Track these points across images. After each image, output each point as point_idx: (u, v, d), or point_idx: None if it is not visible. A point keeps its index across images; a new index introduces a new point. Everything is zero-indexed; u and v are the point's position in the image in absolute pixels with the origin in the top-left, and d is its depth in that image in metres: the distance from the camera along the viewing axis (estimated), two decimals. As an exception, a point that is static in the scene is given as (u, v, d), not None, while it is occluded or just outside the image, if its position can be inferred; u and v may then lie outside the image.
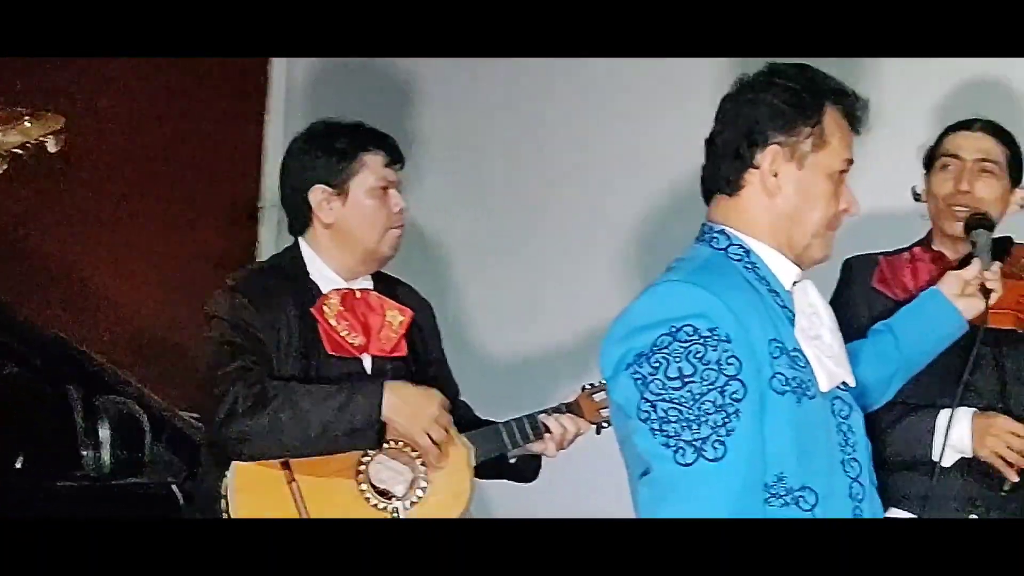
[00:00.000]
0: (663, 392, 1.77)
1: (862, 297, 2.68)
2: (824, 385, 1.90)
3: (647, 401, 1.79)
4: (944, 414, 2.51)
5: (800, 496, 1.82)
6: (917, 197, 2.75)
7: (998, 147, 2.68)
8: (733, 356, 1.78)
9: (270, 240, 5.12)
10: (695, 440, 1.75)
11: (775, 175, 1.92)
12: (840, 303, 2.57)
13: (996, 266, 2.40)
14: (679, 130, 4.28)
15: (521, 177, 5.09)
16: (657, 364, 1.78)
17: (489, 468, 2.67)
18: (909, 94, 3.69)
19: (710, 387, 1.76)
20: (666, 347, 1.78)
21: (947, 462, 2.53)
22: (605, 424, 2.72)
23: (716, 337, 1.78)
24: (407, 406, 2.46)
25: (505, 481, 2.78)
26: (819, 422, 1.89)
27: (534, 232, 5.06)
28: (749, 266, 1.93)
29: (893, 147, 3.03)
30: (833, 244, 2.01)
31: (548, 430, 2.66)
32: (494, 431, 2.65)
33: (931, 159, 2.75)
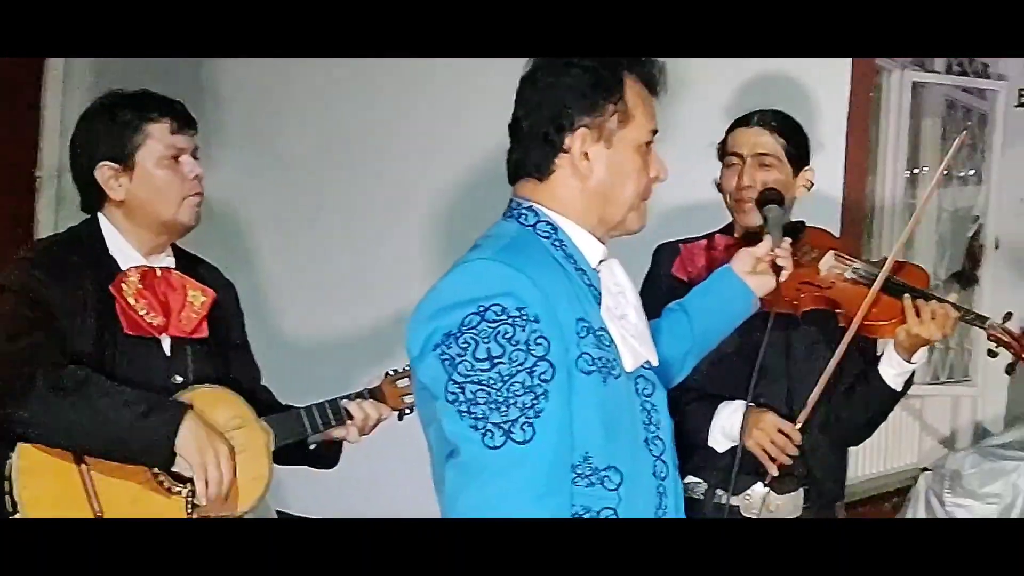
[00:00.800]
0: (471, 374, 1.74)
1: (663, 283, 2.76)
2: (629, 365, 1.90)
3: (455, 383, 1.76)
4: (724, 404, 2.67)
5: (605, 476, 1.82)
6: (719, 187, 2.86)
7: (772, 139, 2.78)
8: (542, 336, 1.76)
9: (49, 212, 4.94)
10: (503, 423, 1.73)
11: (586, 157, 1.91)
12: (645, 288, 2.67)
13: (787, 242, 2.37)
14: (483, 109, 4.33)
15: (324, 157, 5.05)
16: (466, 345, 1.76)
17: (289, 453, 2.61)
18: (706, 91, 3.85)
19: (519, 368, 1.75)
20: (474, 327, 1.76)
21: (720, 448, 2.69)
22: (408, 411, 2.69)
23: (525, 317, 1.76)
24: (199, 439, 2.32)
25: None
26: (624, 401, 1.89)
27: (340, 213, 5.04)
28: (557, 244, 1.91)
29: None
30: (647, 213, 2.02)
31: (350, 416, 2.62)
32: (295, 416, 2.58)
33: (722, 155, 2.86)
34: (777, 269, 2.30)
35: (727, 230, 2.88)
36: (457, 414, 1.76)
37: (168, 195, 2.50)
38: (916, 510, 4.99)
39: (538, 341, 1.76)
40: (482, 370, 1.74)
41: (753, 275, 2.29)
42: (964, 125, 5.87)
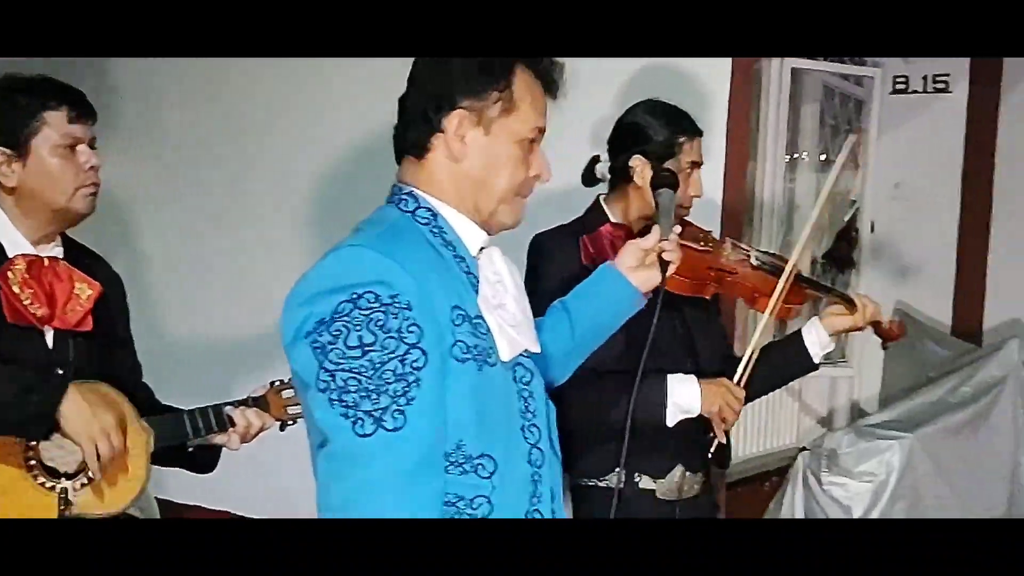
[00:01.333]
0: (342, 361, 1.73)
1: (570, 273, 2.70)
2: (505, 354, 1.90)
3: (326, 371, 1.74)
4: (673, 378, 2.70)
5: (479, 464, 1.82)
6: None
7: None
8: (414, 324, 1.75)
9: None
10: (374, 411, 1.71)
11: (462, 139, 1.90)
12: (540, 277, 2.65)
13: (676, 231, 2.27)
14: (360, 104, 4.31)
15: (208, 157, 4.99)
16: (337, 332, 1.75)
17: (166, 455, 2.58)
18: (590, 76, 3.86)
19: (390, 356, 1.73)
20: (347, 314, 1.74)
21: (671, 422, 2.72)
22: (291, 421, 2.68)
23: (398, 305, 1.75)
24: (83, 413, 2.29)
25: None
26: (499, 389, 1.89)
27: (230, 216, 4.97)
28: (436, 230, 1.91)
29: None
30: (523, 211, 2.00)
31: (233, 423, 2.59)
32: (178, 419, 2.55)
33: (623, 147, 2.88)
34: (664, 264, 2.18)
35: (596, 217, 2.86)
36: (328, 402, 1.74)
37: (62, 184, 2.46)
38: (795, 489, 5.09)
39: (410, 329, 1.75)
40: (353, 358, 1.73)
41: (640, 270, 2.18)
42: (841, 111, 6.00)
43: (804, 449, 5.22)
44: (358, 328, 1.73)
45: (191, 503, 4.83)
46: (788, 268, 2.77)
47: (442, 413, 1.79)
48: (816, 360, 2.94)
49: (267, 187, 4.95)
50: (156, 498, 4.23)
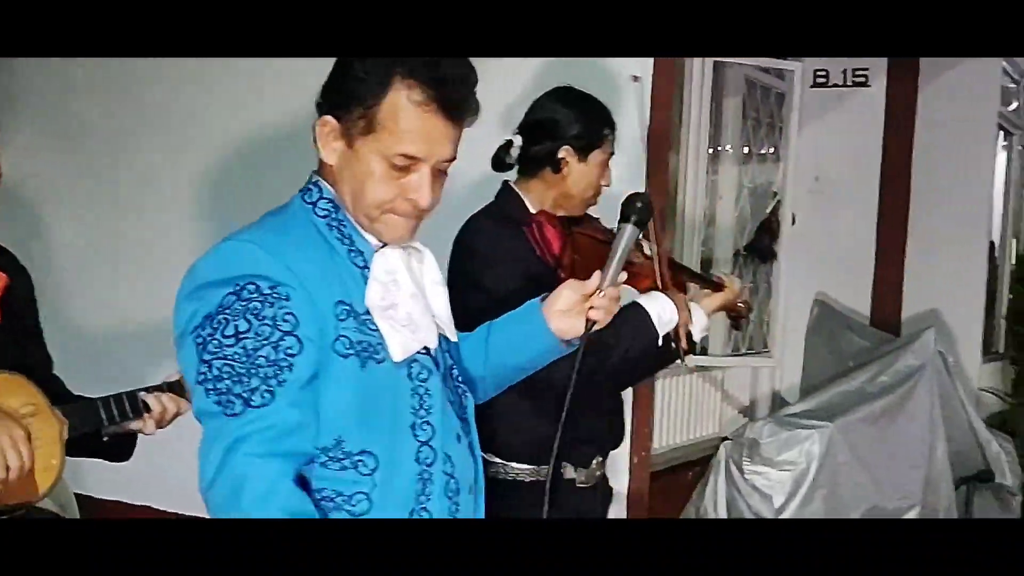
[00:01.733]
0: (218, 351, 1.73)
1: (527, 270, 2.69)
2: (397, 355, 1.85)
3: (204, 362, 1.74)
4: (643, 300, 2.71)
5: (359, 460, 1.79)
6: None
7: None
8: (290, 313, 1.74)
9: None
10: (244, 392, 1.71)
11: (331, 146, 1.86)
12: (498, 279, 2.61)
13: (621, 279, 2.05)
14: (279, 80, 4.28)
15: (118, 148, 4.94)
16: (217, 325, 1.74)
17: (82, 444, 2.53)
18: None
19: (264, 342, 1.73)
20: (230, 307, 1.74)
21: (662, 337, 2.72)
22: None
23: (276, 295, 1.75)
24: None
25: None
26: (387, 387, 1.84)
27: (133, 207, 4.92)
28: (334, 223, 1.88)
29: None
30: (408, 230, 1.88)
31: (148, 408, 2.55)
32: (91, 406, 2.50)
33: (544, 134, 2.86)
34: (589, 322, 2.00)
35: (515, 204, 2.82)
36: (204, 392, 1.74)
37: None
38: (717, 479, 5.15)
39: (285, 317, 1.74)
40: (228, 346, 1.73)
41: (568, 316, 2.01)
42: (763, 105, 6.07)
43: (726, 439, 5.28)
44: (236, 318, 1.73)
45: (112, 498, 4.76)
46: (653, 253, 2.75)
47: (313, 401, 1.76)
48: (696, 339, 2.87)
49: (175, 178, 4.90)
50: (76, 494, 4.16)
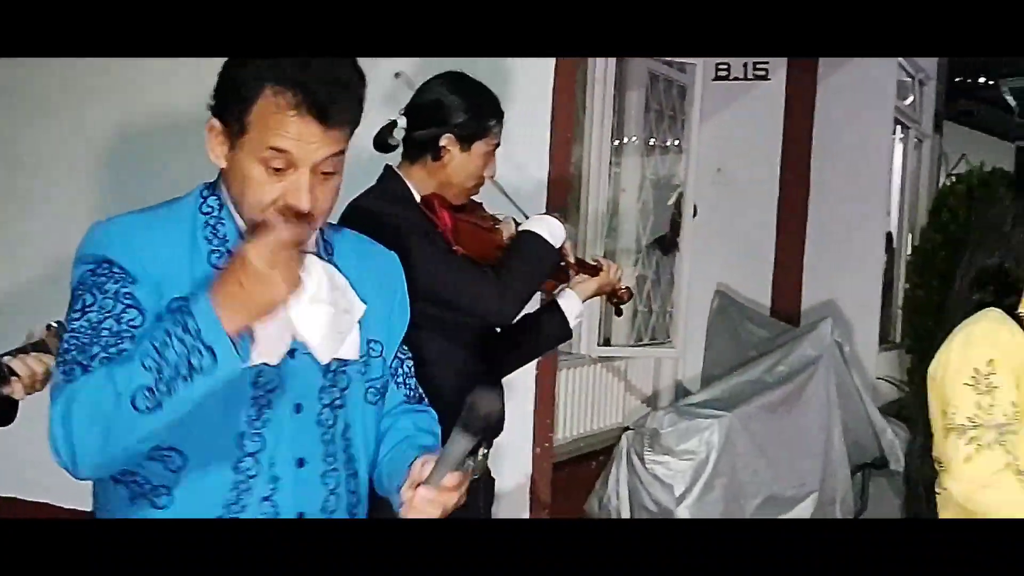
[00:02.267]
0: (69, 324, 1.76)
1: (445, 259, 2.64)
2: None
3: (62, 340, 1.76)
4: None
5: (167, 455, 1.78)
6: None
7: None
8: (131, 293, 1.75)
9: None
10: (83, 359, 1.71)
11: (217, 149, 1.83)
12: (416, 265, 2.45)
13: (447, 481, 1.78)
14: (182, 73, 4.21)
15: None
16: (73, 300, 1.78)
17: None
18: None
19: (107, 315, 1.73)
20: (84, 282, 1.78)
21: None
22: None
23: (124, 273, 1.76)
24: None
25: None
26: (219, 391, 1.70)
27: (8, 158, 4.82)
28: (212, 222, 1.85)
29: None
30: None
31: (14, 372, 2.48)
32: None
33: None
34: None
35: (399, 188, 2.74)
36: (57, 367, 1.75)
37: None
38: (619, 468, 5.18)
39: (126, 294, 1.76)
40: (74, 319, 1.76)
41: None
42: (666, 97, 6.11)
43: (628, 429, 5.32)
44: (84, 292, 1.77)
45: (7, 495, 4.65)
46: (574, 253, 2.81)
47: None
48: (572, 325, 2.92)
49: (49, 140, 4.80)
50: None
